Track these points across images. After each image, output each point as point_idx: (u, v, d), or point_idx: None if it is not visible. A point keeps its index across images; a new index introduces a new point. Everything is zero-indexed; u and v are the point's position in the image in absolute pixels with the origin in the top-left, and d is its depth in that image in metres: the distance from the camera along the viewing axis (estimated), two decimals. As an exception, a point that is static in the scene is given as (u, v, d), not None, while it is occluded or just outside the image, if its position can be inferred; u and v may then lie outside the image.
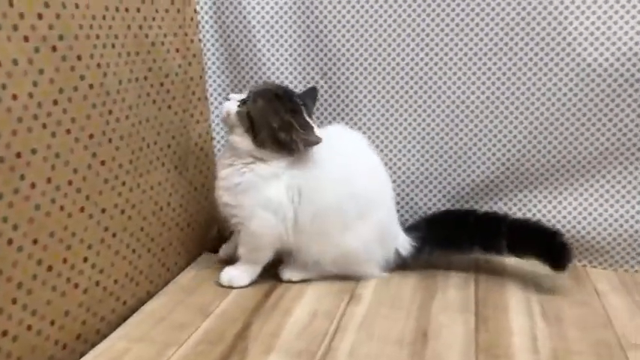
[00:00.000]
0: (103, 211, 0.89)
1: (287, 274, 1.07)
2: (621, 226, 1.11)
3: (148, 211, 1.01)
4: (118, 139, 0.93)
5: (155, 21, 1.05)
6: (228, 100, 1.03)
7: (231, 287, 1.05)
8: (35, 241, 0.76)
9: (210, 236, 1.24)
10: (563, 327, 0.92)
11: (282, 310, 0.97)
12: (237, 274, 1.06)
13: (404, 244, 1.09)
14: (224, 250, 1.16)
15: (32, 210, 0.76)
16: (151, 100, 1.03)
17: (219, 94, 1.25)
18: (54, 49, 0.79)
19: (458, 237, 1.08)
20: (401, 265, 1.09)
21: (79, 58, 0.84)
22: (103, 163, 0.89)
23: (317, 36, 1.18)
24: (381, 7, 1.14)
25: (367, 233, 1.04)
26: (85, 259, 0.86)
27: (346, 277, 1.06)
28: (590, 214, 1.13)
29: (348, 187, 1.02)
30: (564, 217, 1.14)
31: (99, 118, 0.88)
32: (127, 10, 0.97)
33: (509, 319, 0.94)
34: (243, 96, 1.03)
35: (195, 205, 1.18)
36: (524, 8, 1.08)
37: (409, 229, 1.11)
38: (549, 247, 1.04)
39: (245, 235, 1.04)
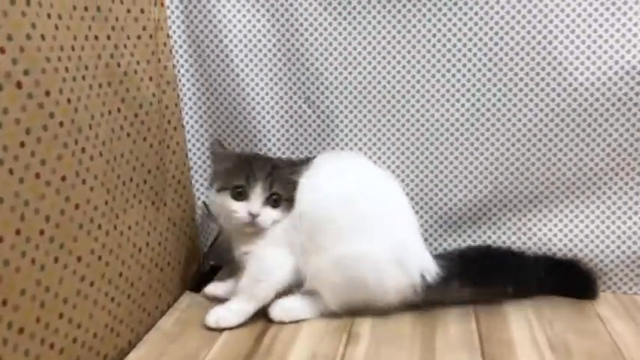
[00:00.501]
0: (79, 259, 0.81)
1: (278, 313, 1.01)
2: (618, 247, 1.09)
3: (126, 254, 0.93)
4: (92, 178, 0.85)
5: (127, 48, 0.97)
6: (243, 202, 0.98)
7: (218, 329, 0.97)
8: (4, 302, 0.68)
9: (191, 274, 1.17)
10: (573, 360, 0.88)
11: (277, 355, 0.90)
12: (226, 314, 0.99)
13: (430, 270, 1.00)
14: (213, 289, 1.09)
15: (0, 267, 0.67)
16: (125, 133, 0.96)
17: (196, 122, 1.18)
18: (19, 85, 0.71)
19: (494, 276, 1.03)
20: (426, 297, 1.00)
21: (47, 93, 0.76)
22: (77, 206, 0.81)
23: (298, 59, 1.12)
24: (364, 28, 1.09)
25: (370, 250, 0.97)
26: (61, 316, 0.77)
27: (341, 315, 1.01)
28: (586, 236, 1.10)
29: (340, 198, 0.98)
30: (560, 240, 1.11)
31: (71, 157, 0.80)
32: (96, 38, 0.89)
33: (518, 356, 0.90)
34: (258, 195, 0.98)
35: (175, 242, 1.11)
36: (512, 27, 1.04)
37: (438, 257, 1.04)
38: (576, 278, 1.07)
39: (256, 262, 0.99)
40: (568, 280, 1.06)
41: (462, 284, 1.01)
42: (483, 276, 1.02)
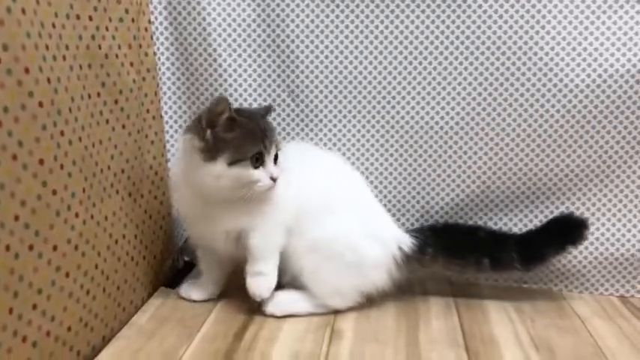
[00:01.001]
0: (55, 248, 0.77)
1: (271, 307, 0.98)
2: (597, 249, 1.10)
3: (102, 245, 0.89)
4: (70, 164, 0.80)
5: (108, 31, 0.93)
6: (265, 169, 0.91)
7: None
8: (-24, 290, 0.64)
9: (165, 268, 1.13)
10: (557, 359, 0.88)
11: (258, 353, 0.87)
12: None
13: (405, 241, 1.01)
14: (188, 292, 1.05)
15: (-27, 252, 0.63)
16: (104, 119, 0.92)
17: (175, 112, 1.14)
18: (-2, 60, 0.67)
19: (466, 246, 1.02)
20: (408, 269, 1.01)
21: (26, 70, 0.72)
22: (54, 192, 0.76)
23: (283, 51, 1.10)
24: (352, 22, 1.08)
25: (346, 226, 0.98)
26: (34, 307, 0.73)
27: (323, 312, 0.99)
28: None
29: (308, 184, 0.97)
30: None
31: (49, 140, 0.76)
32: (78, 17, 0.85)
33: (502, 353, 0.89)
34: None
35: (151, 236, 1.07)
36: (500, 27, 1.04)
37: (410, 231, 1.04)
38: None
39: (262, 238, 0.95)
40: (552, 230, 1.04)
41: (436, 253, 1.01)
42: (457, 245, 1.02)
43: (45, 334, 0.75)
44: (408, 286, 1.05)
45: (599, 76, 1.03)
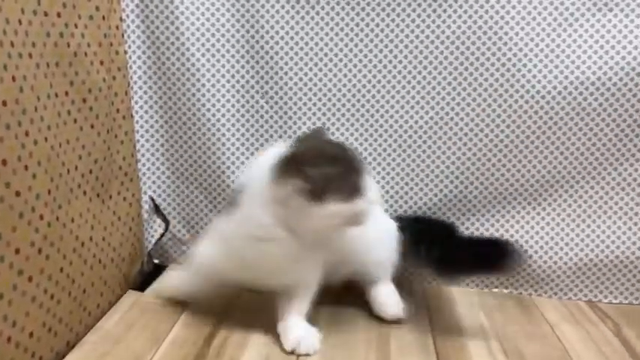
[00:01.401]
0: (17, 251, 0.74)
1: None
2: (566, 254, 1.11)
3: (68, 248, 0.87)
4: (35, 164, 0.78)
5: (77, 28, 0.91)
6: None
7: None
8: None
9: (134, 272, 1.10)
10: (526, 365, 0.89)
11: (228, 359, 0.86)
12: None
13: None
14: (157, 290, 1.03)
15: None
16: (72, 118, 0.89)
17: (146, 112, 1.12)
18: (-41, 57, 0.65)
19: (412, 234, 1.04)
20: None
21: (-10, 68, 0.69)
22: (17, 194, 0.74)
23: (257, 52, 1.09)
24: (327, 24, 1.07)
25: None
26: (-5, 312, 0.71)
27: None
28: (536, 242, 1.12)
29: None
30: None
31: (14, 140, 0.73)
32: (45, 14, 0.83)
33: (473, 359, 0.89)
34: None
35: (119, 238, 1.04)
36: (474, 32, 1.05)
37: None
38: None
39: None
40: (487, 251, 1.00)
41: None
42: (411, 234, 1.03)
43: (5, 340, 0.73)
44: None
45: (571, 82, 1.04)
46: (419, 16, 1.06)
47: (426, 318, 1.02)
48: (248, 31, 1.08)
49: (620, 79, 1.03)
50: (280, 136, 1.12)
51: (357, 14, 1.07)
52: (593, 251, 1.11)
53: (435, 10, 1.05)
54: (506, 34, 1.04)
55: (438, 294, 1.11)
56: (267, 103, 1.11)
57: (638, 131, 1.06)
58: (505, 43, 1.05)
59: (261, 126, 1.12)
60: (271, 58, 1.09)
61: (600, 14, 1.04)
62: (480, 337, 0.96)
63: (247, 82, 1.10)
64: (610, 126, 1.06)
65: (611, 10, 1.03)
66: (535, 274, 1.12)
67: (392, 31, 1.07)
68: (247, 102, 1.11)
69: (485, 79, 1.07)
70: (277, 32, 1.08)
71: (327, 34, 1.07)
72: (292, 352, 0.88)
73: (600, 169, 1.09)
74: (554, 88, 1.05)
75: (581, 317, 1.06)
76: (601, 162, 1.08)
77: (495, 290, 1.14)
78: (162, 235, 1.16)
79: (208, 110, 1.10)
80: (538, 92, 1.05)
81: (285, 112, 1.11)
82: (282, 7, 1.07)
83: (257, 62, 1.09)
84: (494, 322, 1.01)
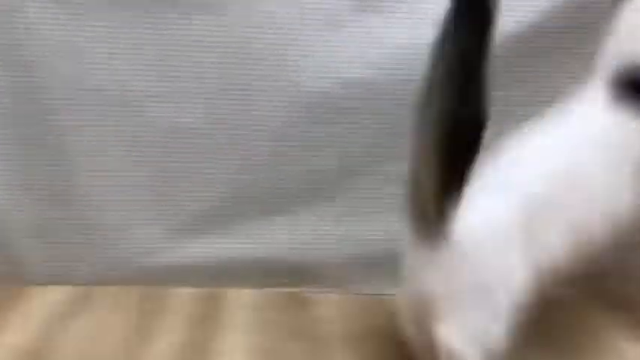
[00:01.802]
0: None
1: None
2: (339, 248, 1.14)
3: None
4: None
5: None
6: None
7: None
8: None
9: None
10: None
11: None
12: None
13: None
14: None
15: None
16: None
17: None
18: None
19: None
20: None
21: None
22: None
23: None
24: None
25: None
26: None
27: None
28: (313, 239, 1.14)
29: None
30: (278, 244, 1.14)
31: None
32: None
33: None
34: None
35: None
36: (249, 36, 1.05)
37: None
38: None
39: None
40: None
41: None
42: None
43: None
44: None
45: (338, 83, 1.08)
46: (199, 17, 1.05)
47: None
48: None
49: (376, 78, 1.07)
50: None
51: (123, 17, 1.04)
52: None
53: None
54: (277, 36, 1.06)
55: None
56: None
57: (391, 131, 1.09)
58: (277, 45, 1.06)
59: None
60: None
61: (364, 15, 1.06)
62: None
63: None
64: (370, 120, 1.09)
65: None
66: (305, 269, 1.14)
67: (156, 32, 1.05)
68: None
69: (252, 79, 1.07)
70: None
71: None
72: None
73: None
74: (322, 89, 1.07)
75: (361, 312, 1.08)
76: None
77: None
78: None
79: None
80: (308, 93, 1.08)
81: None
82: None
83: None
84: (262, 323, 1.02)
